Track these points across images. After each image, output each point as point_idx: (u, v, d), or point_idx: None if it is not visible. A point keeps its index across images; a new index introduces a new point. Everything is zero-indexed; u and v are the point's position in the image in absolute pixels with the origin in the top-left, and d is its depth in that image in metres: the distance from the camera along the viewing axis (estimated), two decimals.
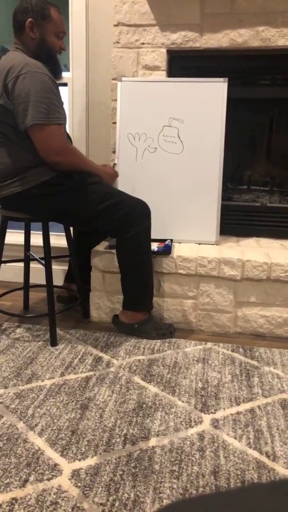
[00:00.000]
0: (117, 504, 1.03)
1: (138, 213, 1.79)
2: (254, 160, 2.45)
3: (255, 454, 1.21)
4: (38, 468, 1.14)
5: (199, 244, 2.12)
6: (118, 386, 1.52)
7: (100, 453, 1.20)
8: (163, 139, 2.08)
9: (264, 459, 1.19)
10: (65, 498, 1.04)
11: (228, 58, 2.16)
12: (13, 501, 1.03)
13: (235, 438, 1.27)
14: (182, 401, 1.44)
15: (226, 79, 2.01)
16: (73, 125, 2.42)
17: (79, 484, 1.09)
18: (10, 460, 1.16)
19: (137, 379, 1.57)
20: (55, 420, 1.33)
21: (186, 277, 1.97)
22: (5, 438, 1.24)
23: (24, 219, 1.81)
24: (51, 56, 1.74)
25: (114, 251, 1.93)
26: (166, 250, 1.96)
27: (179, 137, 2.07)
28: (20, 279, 2.45)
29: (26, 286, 2.17)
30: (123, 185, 2.11)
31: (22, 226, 2.11)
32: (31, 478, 1.10)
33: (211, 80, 2.03)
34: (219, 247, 2.09)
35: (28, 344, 1.81)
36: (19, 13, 1.69)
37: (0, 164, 1.71)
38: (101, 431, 1.28)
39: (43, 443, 1.23)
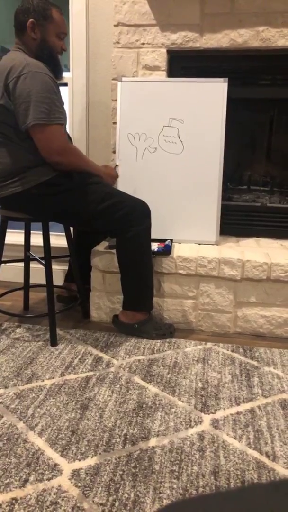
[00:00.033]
0: (117, 504, 1.03)
1: (138, 213, 1.79)
2: (254, 160, 2.45)
3: (255, 454, 1.21)
4: (38, 468, 1.14)
5: (199, 244, 2.13)
6: (118, 386, 1.52)
7: (100, 453, 1.20)
8: (163, 139, 2.09)
9: (264, 459, 1.19)
10: (65, 498, 1.04)
11: (228, 58, 2.16)
12: (13, 501, 1.03)
13: (235, 438, 1.27)
14: (182, 401, 1.44)
15: (226, 79, 2.01)
16: (73, 125, 2.42)
17: (79, 484, 1.09)
18: (10, 460, 1.16)
19: (137, 379, 1.57)
20: (55, 420, 1.33)
21: (186, 277, 1.97)
22: (5, 438, 1.24)
23: (24, 219, 1.81)
24: (52, 57, 1.74)
25: (114, 251, 1.93)
26: (166, 250, 1.96)
27: (179, 137, 2.07)
28: (20, 279, 2.45)
29: (26, 286, 2.17)
30: (123, 185, 2.11)
31: (22, 226, 2.11)
32: (31, 478, 1.10)
33: (211, 80, 2.03)
34: (219, 247, 2.09)
35: (28, 344, 1.81)
36: (20, 13, 1.69)
37: (0, 164, 1.71)
38: (101, 431, 1.28)
39: (43, 443, 1.23)
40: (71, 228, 2.05)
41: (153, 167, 2.10)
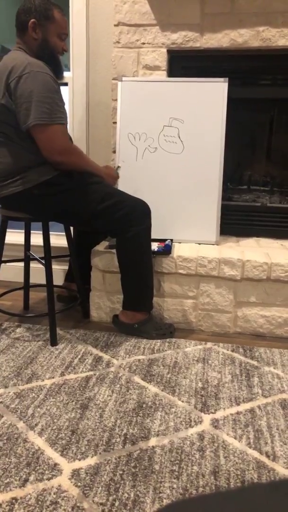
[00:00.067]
0: (117, 504, 1.03)
1: (138, 213, 1.79)
2: (254, 160, 2.45)
3: (255, 454, 1.21)
4: (38, 467, 1.14)
5: (199, 244, 2.13)
6: (118, 386, 1.52)
7: (100, 453, 1.20)
8: (163, 139, 2.08)
9: (264, 459, 1.19)
10: (65, 498, 1.04)
11: (229, 58, 2.16)
12: (13, 500, 1.03)
13: (235, 438, 1.27)
14: (182, 401, 1.44)
15: (227, 79, 2.01)
16: (73, 125, 2.42)
17: (79, 484, 1.09)
18: (10, 460, 1.16)
19: (137, 379, 1.57)
20: (55, 420, 1.33)
21: (186, 277, 1.97)
22: (5, 437, 1.24)
23: (24, 219, 1.81)
24: (53, 57, 1.74)
25: (114, 251, 1.93)
26: (166, 250, 1.96)
27: (179, 137, 2.07)
28: (20, 278, 2.45)
29: (26, 286, 2.17)
30: (123, 185, 2.11)
31: (22, 226, 2.11)
32: (31, 478, 1.10)
33: (211, 80, 2.03)
34: (219, 247, 2.09)
35: (28, 344, 1.81)
36: (22, 13, 1.69)
37: (1, 163, 1.71)
38: (101, 431, 1.28)
39: (43, 443, 1.23)
40: (71, 228, 2.05)
41: (153, 167, 2.10)
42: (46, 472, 1.12)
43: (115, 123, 2.19)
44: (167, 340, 1.88)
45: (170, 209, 2.12)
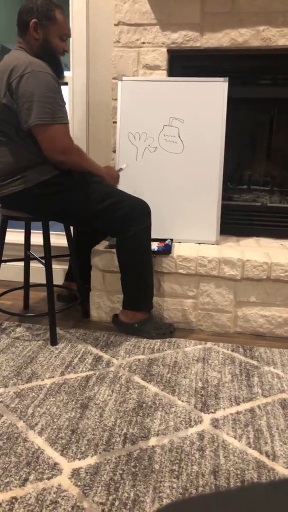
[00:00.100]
0: (117, 503, 1.03)
1: (138, 212, 1.79)
2: (254, 159, 2.45)
3: (255, 453, 1.21)
4: (38, 467, 1.14)
5: (199, 243, 2.13)
6: (118, 385, 1.52)
7: (100, 453, 1.20)
8: (163, 139, 2.08)
9: (264, 458, 1.19)
10: (65, 497, 1.04)
11: (229, 57, 2.16)
12: (13, 500, 1.03)
13: (235, 437, 1.27)
14: (182, 401, 1.44)
15: (227, 78, 2.01)
16: (73, 124, 2.42)
17: (79, 483, 1.09)
18: (10, 459, 1.16)
19: (137, 378, 1.57)
20: (55, 419, 1.33)
21: (186, 277, 1.97)
22: (5, 437, 1.25)
23: (24, 218, 1.81)
24: (53, 57, 1.74)
25: (114, 250, 1.93)
26: (166, 249, 1.96)
27: (179, 137, 2.07)
28: (20, 278, 2.45)
29: (26, 285, 2.17)
30: (123, 184, 2.11)
31: (22, 225, 2.11)
32: (31, 477, 1.10)
33: (211, 80, 2.03)
34: (219, 246, 2.09)
35: (28, 343, 1.81)
36: (24, 12, 1.69)
37: (1, 163, 1.71)
38: (101, 431, 1.29)
39: (43, 442, 1.23)
40: (71, 228, 2.05)
41: (153, 167, 2.10)
42: (46, 471, 1.12)
43: (115, 122, 2.19)
44: (167, 339, 1.88)
45: (170, 209, 2.12)
